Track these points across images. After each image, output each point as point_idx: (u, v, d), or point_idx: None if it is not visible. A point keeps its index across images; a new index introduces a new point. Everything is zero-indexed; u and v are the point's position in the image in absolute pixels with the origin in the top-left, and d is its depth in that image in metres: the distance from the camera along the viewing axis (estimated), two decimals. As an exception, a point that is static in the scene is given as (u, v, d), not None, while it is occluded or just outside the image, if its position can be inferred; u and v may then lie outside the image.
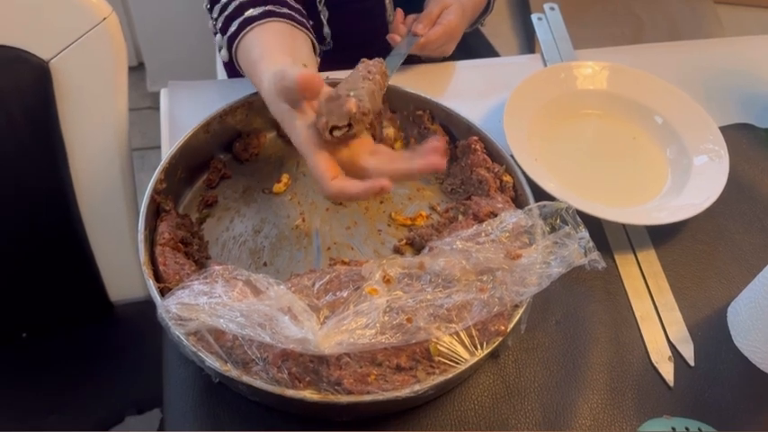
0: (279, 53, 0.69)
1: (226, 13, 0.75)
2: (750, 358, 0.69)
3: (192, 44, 1.72)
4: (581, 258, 0.61)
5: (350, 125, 0.59)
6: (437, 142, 0.60)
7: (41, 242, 0.90)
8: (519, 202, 0.72)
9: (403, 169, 0.60)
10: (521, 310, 0.61)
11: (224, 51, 0.77)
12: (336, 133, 0.60)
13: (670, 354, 0.69)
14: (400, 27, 0.89)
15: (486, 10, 0.99)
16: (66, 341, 0.99)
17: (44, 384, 0.95)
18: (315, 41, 0.77)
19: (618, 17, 1.50)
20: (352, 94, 0.60)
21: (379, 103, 0.64)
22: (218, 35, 0.77)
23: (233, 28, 0.73)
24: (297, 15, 0.75)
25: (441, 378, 0.56)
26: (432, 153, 0.60)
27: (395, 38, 0.88)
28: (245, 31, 0.72)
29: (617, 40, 1.41)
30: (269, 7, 0.73)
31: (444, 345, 0.58)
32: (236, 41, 0.73)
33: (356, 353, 0.56)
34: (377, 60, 0.67)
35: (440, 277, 0.61)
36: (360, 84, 0.62)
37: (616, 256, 0.76)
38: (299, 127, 0.61)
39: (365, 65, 0.66)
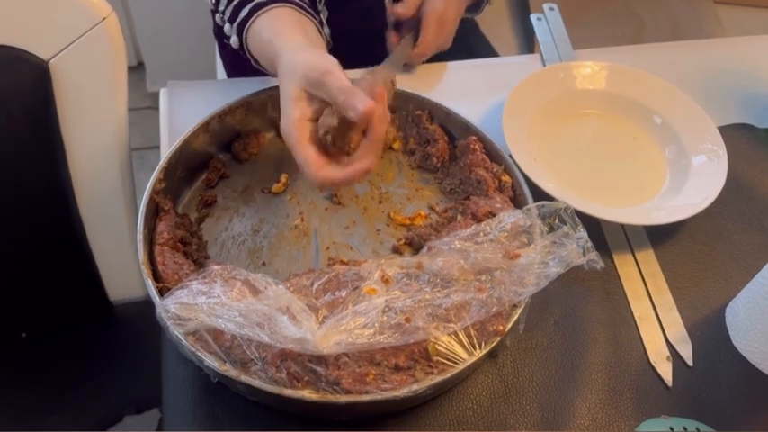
0: (291, 32, 0.70)
1: (234, 2, 0.76)
2: (748, 358, 0.69)
3: (191, 44, 1.72)
4: (579, 258, 0.61)
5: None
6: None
7: (41, 242, 0.90)
8: (517, 202, 0.73)
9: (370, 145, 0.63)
10: (519, 310, 0.61)
11: (234, 38, 0.77)
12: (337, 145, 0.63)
13: (668, 354, 0.69)
14: (390, 8, 0.89)
15: None
16: (66, 341, 0.99)
17: (44, 384, 0.95)
18: (322, 31, 0.77)
19: (618, 17, 1.50)
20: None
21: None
22: (227, 24, 0.77)
23: (243, 14, 0.74)
24: (305, 5, 0.76)
25: (439, 378, 0.57)
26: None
27: (391, 34, 0.87)
28: (255, 15, 0.73)
29: (617, 40, 1.41)
30: None
31: (443, 344, 0.58)
32: (247, 26, 0.74)
33: (355, 352, 0.57)
34: (390, 75, 0.68)
35: (438, 277, 0.62)
36: None
37: (614, 256, 0.76)
38: (295, 117, 0.63)
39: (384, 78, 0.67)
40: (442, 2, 0.87)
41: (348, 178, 0.62)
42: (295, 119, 0.63)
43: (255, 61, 0.77)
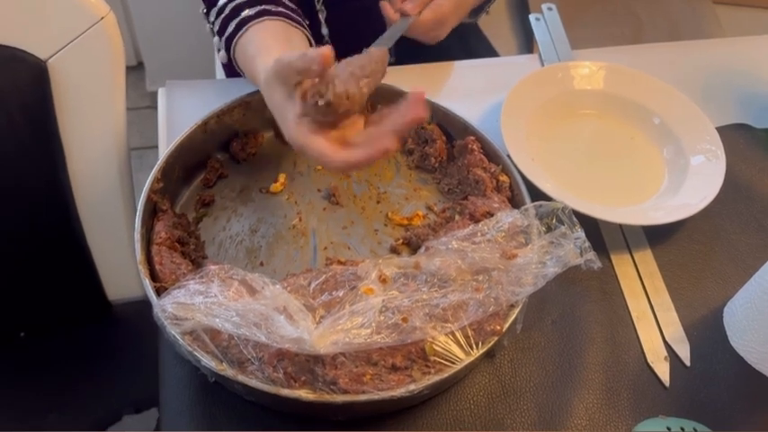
0: (275, 48, 0.70)
1: (222, 15, 0.76)
2: (746, 358, 0.69)
3: (191, 44, 1.72)
4: (577, 258, 0.62)
5: (328, 104, 0.59)
6: (417, 93, 0.61)
7: (40, 241, 0.90)
8: (515, 202, 0.73)
9: (390, 131, 0.60)
10: (516, 310, 0.61)
11: (222, 52, 0.78)
12: (320, 102, 0.60)
13: (666, 354, 0.69)
14: (397, 1, 0.88)
15: None
16: (66, 341, 0.99)
17: (43, 384, 0.95)
18: (311, 39, 0.77)
19: (618, 17, 1.50)
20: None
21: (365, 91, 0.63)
22: (216, 37, 0.78)
23: (230, 29, 0.75)
24: (292, 14, 0.76)
25: (436, 378, 0.57)
26: (414, 105, 0.60)
27: (386, 6, 0.86)
28: (242, 30, 0.73)
29: (617, 41, 1.41)
30: (264, 7, 0.74)
31: (440, 344, 0.58)
32: (234, 41, 0.74)
33: (352, 352, 0.57)
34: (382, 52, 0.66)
35: (435, 277, 0.62)
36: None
37: (612, 256, 0.76)
38: (291, 119, 0.62)
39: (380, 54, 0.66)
40: (452, 4, 0.87)
41: (369, 157, 0.59)
42: (292, 120, 0.62)
43: (244, 74, 0.77)
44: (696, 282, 0.75)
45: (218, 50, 0.78)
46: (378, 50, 0.66)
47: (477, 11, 0.97)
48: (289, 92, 0.62)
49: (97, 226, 0.91)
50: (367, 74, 0.62)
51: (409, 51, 0.92)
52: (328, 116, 0.60)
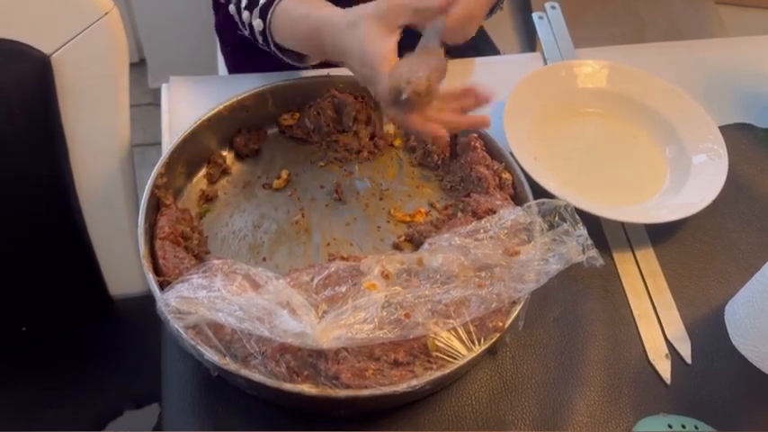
0: (322, 3, 0.73)
1: None
2: (747, 357, 0.69)
3: (193, 41, 1.72)
4: (579, 256, 0.62)
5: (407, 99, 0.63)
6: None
7: (42, 237, 0.90)
8: (518, 200, 0.73)
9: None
10: (518, 307, 0.61)
11: (257, 21, 0.78)
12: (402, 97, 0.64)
13: (667, 351, 0.69)
14: None
15: None
16: (67, 340, 0.99)
17: (44, 381, 0.95)
18: None
19: (619, 17, 1.50)
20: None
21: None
22: (245, 12, 0.78)
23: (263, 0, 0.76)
24: None
25: (438, 373, 0.57)
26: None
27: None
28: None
29: (617, 40, 1.40)
30: None
31: (442, 340, 0.58)
32: (272, 9, 0.75)
33: (354, 347, 0.57)
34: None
35: (438, 273, 0.62)
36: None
37: (614, 255, 0.77)
38: (385, 53, 0.66)
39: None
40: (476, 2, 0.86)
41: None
42: (387, 52, 0.66)
43: (275, 45, 0.77)
44: (698, 280, 0.75)
45: (244, 25, 0.79)
46: (433, 46, 0.68)
47: (491, 9, 0.97)
48: (388, 30, 0.67)
49: (99, 221, 0.91)
50: (435, 68, 0.65)
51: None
52: (408, 110, 0.65)
